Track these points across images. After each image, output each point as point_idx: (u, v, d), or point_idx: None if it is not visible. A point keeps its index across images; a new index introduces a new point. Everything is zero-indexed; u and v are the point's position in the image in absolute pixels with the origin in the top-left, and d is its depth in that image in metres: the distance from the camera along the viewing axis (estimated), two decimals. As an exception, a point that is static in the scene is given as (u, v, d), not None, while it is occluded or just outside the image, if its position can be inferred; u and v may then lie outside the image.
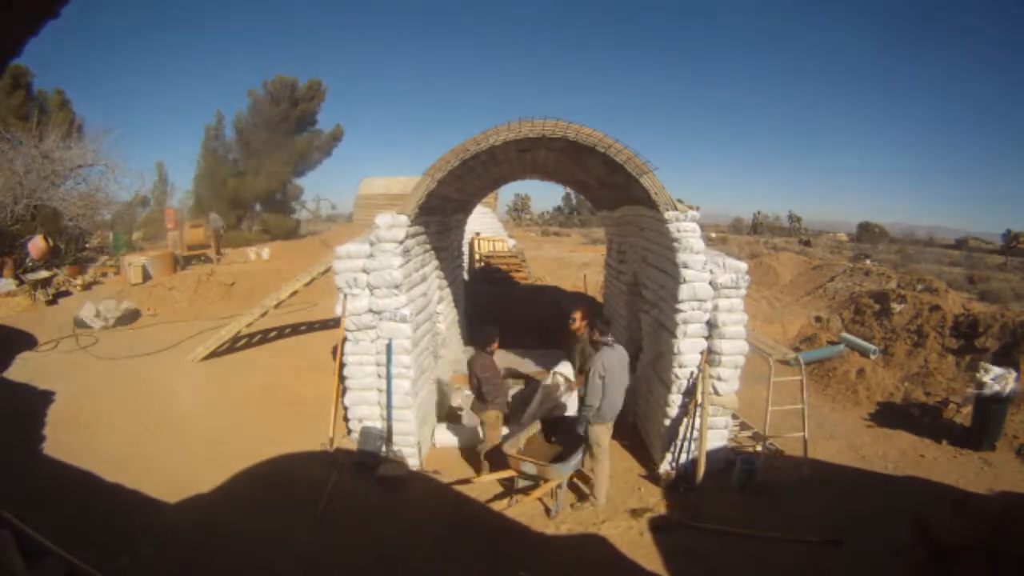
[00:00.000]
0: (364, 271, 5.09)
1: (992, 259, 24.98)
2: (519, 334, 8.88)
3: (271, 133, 19.28)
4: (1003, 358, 7.18)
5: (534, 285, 13.84)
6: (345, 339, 5.24)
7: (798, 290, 13.82)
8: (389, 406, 5.28)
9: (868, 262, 16.94)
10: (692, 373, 5.10)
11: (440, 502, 4.84)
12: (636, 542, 4.36)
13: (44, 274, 10.99)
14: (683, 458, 5.19)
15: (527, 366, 7.67)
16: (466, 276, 12.15)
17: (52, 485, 4.44)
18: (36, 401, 5.85)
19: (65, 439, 5.16)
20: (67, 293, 10.89)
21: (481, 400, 5.23)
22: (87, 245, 14.69)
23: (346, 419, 5.51)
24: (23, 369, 6.76)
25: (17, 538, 2.66)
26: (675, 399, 5.20)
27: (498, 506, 4.85)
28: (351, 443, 5.45)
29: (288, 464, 5.25)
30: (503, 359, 7.86)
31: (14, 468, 4.59)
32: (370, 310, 5.11)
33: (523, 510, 4.78)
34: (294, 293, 7.97)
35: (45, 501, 4.12)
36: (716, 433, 5.20)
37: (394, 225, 5.01)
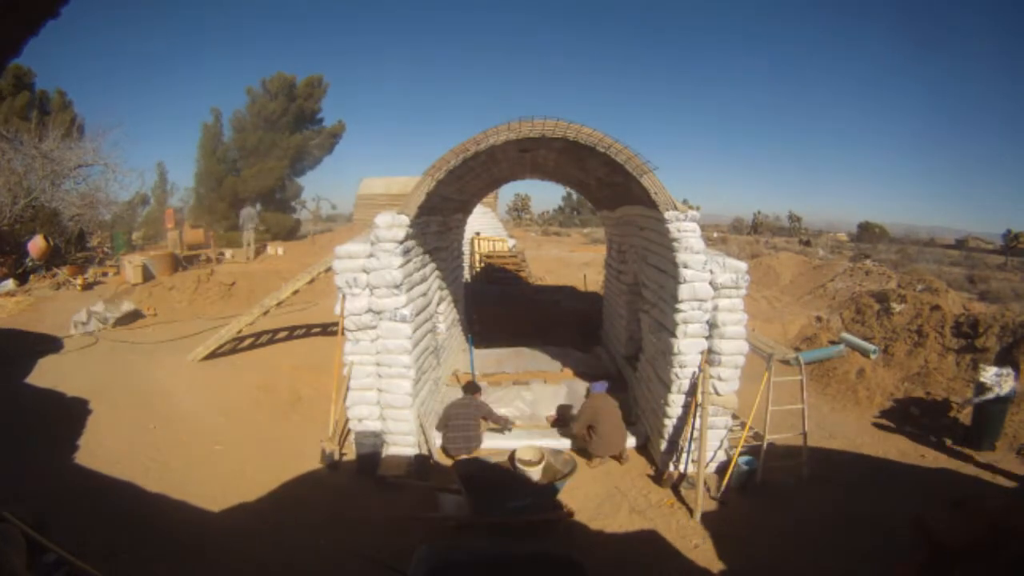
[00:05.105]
0: (364, 271, 5.09)
1: (992, 259, 24.94)
2: (519, 333, 8.90)
3: (268, 130, 19.28)
4: (1003, 358, 7.17)
5: (540, 285, 13.83)
6: (345, 339, 5.24)
7: (798, 290, 13.82)
8: (389, 406, 5.29)
9: (868, 262, 16.93)
10: (692, 373, 5.10)
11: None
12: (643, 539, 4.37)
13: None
14: (684, 458, 5.19)
15: (526, 364, 7.68)
16: (467, 276, 12.15)
17: (53, 484, 4.45)
18: (40, 402, 5.85)
19: (65, 439, 5.17)
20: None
21: None
22: (87, 245, 14.70)
23: (346, 419, 5.51)
24: (23, 369, 6.75)
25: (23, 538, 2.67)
26: (675, 399, 5.20)
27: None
28: (351, 443, 5.45)
29: (287, 464, 5.26)
30: (502, 357, 7.87)
31: (15, 468, 4.60)
32: (370, 310, 5.11)
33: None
34: (295, 292, 7.97)
35: (45, 500, 4.12)
36: (716, 433, 5.20)
37: (394, 225, 5.01)
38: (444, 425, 5.70)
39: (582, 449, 5.55)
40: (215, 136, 19.34)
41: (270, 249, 16.03)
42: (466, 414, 5.61)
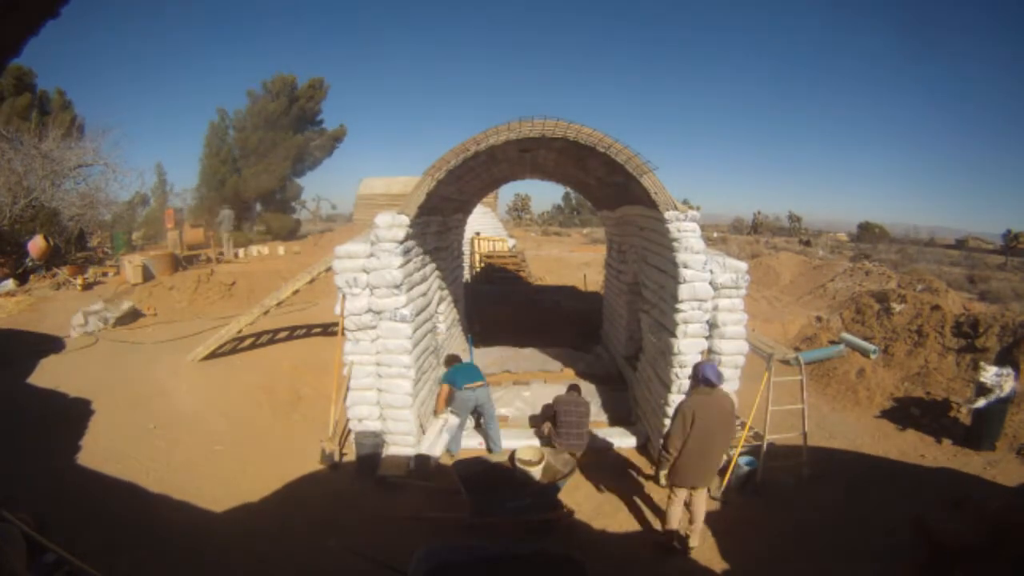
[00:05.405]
0: (364, 271, 5.09)
1: (992, 259, 24.94)
2: (519, 333, 8.90)
3: (269, 130, 19.30)
4: (1003, 358, 7.17)
5: (540, 285, 13.83)
6: (345, 339, 5.24)
7: (798, 290, 13.82)
8: (389, 406, 5.29)
9: (868, 262, 16.94)
10: (692, 373, 5.10)
11: (440, 502, 4.83)
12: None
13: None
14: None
15: (526, 364, 7.68)
16: (467, 276, 12.16)
17: (54, 484, 4.45)
18: (42, 403, 5.85)
19: (67, 439, 5.17)
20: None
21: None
22: (87, 245, 14.70)
23: (346, 419, 5.51)
24: (24, 369, 6.76)
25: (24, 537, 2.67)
26: (675, 399, 5.19)
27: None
28: (351, 443, 5.45)
29: (287, 464, 5.26)
30: (502, 357, 7.87)
31: (17, 468, 4.60)
32: (370, 310, 5.11)
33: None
34: (296, 292, 7.97)
35: (42, 499, 4.12)
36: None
37: (394, 225, 5.01)
38: (553, 418, 5.74)
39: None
40: (221, 136, 19.36)
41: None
42: (578, 412, 5.66)
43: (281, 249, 16.38)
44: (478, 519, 4.28)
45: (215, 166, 18.95)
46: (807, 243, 28.56)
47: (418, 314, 5.54)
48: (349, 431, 5.53)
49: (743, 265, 5.00)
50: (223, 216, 15.41)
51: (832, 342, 9.00)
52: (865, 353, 8.38)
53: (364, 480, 5.08)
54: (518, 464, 4.80)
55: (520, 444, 5.42)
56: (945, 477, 5.42)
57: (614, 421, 6.29)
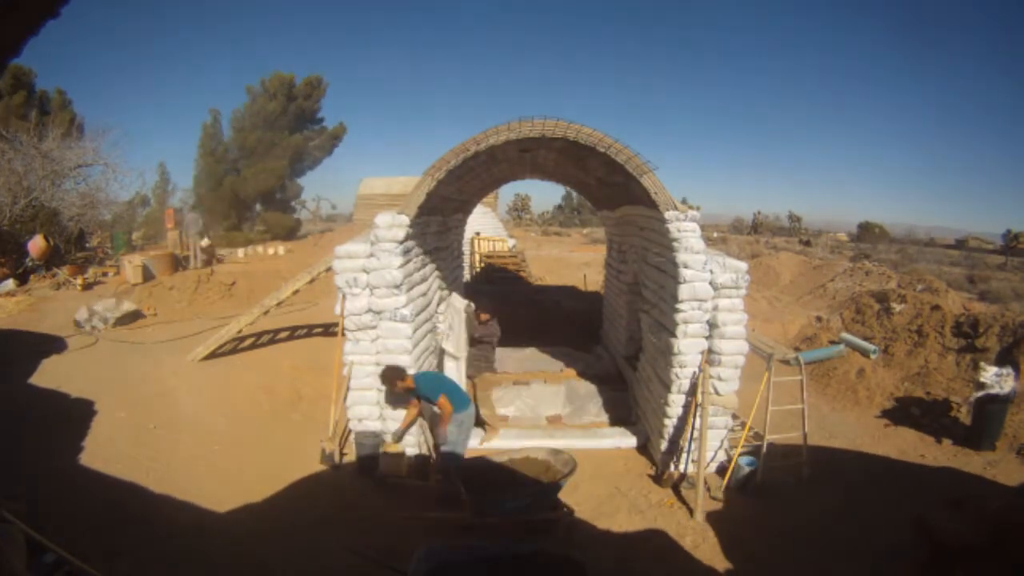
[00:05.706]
0: (364, 271, 5.09)
1: (992, 259, 24.96)
2: (519, 333, 8.89)
3: (268, 129, 19.29)
4: (1003, 358, 7.18)
5: (540, 285, 13.81)
6: (345, 339, 5.24)
7: (798, 290, 13.82)
8: (389, 406, 5.29)
9: (868, 262, 16.93)
10: (692, 373, 5.10)
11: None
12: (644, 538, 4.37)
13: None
14: (684, 457, 5.20)
15: (526, 364, 7.68)
16: (467, 276, 12.16)
17: (55, 484, 4.45)
18: (44, 403, 5.85)
19: (69, 440, 5.17)
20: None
21: None
22: (87, 245, 14.69)
23: (346, 419, 5.51)
24: (24, 369, 6.75)
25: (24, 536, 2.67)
26: (675, 399, 5.20)
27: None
28: (351, 443, 5.45)
29: (287, 464, 5.26)
30: (502, 357, 7.87)
31: (18, 468, 4.60)
32: (370, 310, 5.11)
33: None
34: (296, 292, 7.97)
35: (43, 499, 4.12)
36: (716, 433, 5.20)
37: (394, 225, 5.01)
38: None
39: None
40: (214, 136, 19.35)
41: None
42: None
43: (281, 249, 16.36)
44: (478, 519, 4.28)
45: (210, 166, 18.95)
46: (807, 243, 28.57)
47: (418, 314, 5.55)
48: (349, 431, 5.53)
49: (743, 265, 5.01)
50: (189, 220, 14.50)
51: (832, 342, 9.00)
52: (865, 353, 8.38)
53: (364, 480, 5.08)
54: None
55: (521, 444, 5.43)
56: (945, 477, 5.42)
57: (614, 421, 6.28)
